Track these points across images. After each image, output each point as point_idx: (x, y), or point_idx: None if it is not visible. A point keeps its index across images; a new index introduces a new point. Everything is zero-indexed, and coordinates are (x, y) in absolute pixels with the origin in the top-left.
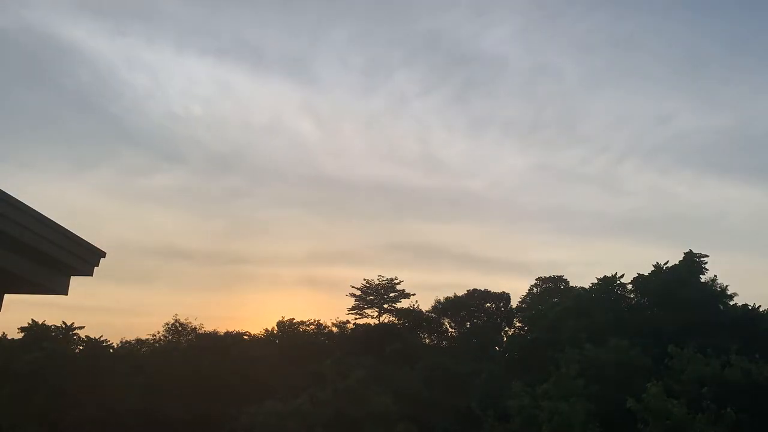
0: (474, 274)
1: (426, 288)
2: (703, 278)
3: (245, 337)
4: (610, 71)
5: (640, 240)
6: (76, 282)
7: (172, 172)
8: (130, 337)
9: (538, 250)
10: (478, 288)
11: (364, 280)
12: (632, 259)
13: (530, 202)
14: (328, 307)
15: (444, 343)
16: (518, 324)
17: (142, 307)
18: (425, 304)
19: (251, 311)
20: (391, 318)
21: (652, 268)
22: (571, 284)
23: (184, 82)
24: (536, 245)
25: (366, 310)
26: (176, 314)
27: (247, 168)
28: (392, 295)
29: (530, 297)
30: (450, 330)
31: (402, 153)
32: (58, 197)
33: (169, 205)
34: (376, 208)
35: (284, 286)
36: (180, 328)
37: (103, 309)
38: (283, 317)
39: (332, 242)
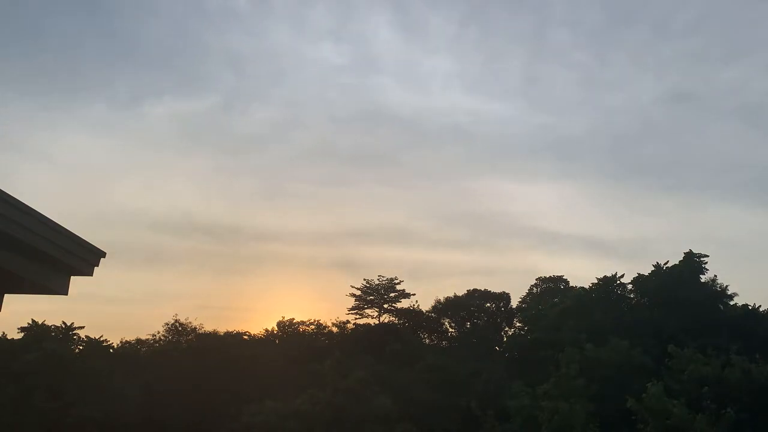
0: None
1: (486, 273)
2: (703, 278)
3: (245, 337)
4: None
5: None
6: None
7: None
8: (131, 336)
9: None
10: (479, 288)
11: (364, 280)
12: None
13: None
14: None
15: (444, 343)
16: (518, 324)
17: (153, 297)
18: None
19: (278, 301)
20: (391, 318)
21: (652, 268)
22: (571, 284)
23: None
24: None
25: (366, 310)
26: (176, 314)
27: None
28: (392, 295)
29: (530, 297)
30: (450, 330)
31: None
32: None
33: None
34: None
35: (316, 270)
36: (180, 328)
37: (112, 299)
38: (283, 317)
39: (374, 214)
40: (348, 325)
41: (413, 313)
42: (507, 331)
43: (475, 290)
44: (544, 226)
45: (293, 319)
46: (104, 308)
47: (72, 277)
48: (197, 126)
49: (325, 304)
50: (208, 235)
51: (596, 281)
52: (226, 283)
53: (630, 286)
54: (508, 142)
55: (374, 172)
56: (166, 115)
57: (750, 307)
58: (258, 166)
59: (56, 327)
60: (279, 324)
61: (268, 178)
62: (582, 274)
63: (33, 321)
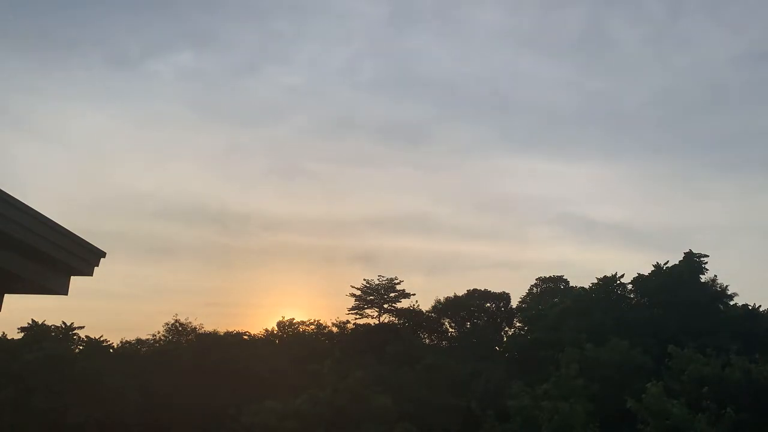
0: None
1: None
2: (703, 278)
3: (245, 337)
4: None
5: None
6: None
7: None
8: (132, 336)
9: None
10: (479, 288)
11: (364, 280)
12: None
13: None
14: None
15: (444, 343)
16: (518, 324)
17: (157, 293)
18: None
19: (290, 299)
20: (391, 318)
21: (652, 268)
22: (571, 284)
23: None
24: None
25: (366, 310)
26: (176, 314)
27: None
28: (392, 295)
29: (530, 297)
30: (450, 330)
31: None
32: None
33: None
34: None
35: (332, 264)
36: (180, 328)
37: (113, 295)
38: (284, 317)
39: (397, 198)
40: (348, 325)
41: (413, 313)
42: (507, 331)
43: (475, 290)
44: (579, 212)
45: (293, 319)
46: (106, 305)
47: (72, 277)
48: (209, 91)
49: (340, 300)
50: (217, 223)
51: (596, 281)
52: (236, 279)
53: (630, 286)
54: (554, 114)
55: (399, 149)
56: (173, 78)
57: (750, 307)
58: (275, 141)
59: (56, 327)
60: (279, 324)
61: (285, 156)
62: (613, 267)
63: (33, 321)
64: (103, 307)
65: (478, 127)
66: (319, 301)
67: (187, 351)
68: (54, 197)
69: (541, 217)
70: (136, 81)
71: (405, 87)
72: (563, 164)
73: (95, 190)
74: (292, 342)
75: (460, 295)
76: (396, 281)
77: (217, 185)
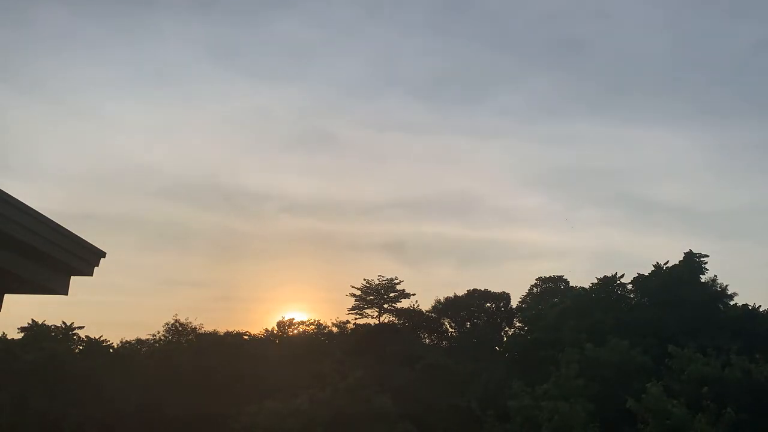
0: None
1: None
2: (703, 278)
3: (245, 337)
4: None
5: None
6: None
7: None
8: (133, 335)
9: None
10: (479, 288)
11: (364, 280)
12: None
13: None
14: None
15: (444, 343)
16: (518, 324)
17: (162, 287)
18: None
19: (308, 293)
20: (391, 318)
21: (652, 268)
22: (571, 284)
23: None
24: None
25: (366, 310)
26: (176, 314)
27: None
28: (392, 295)
29: (530, 297)
30: (450, 330)
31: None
32: None
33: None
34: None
35: (359, 252)
36: (180, 328)
37: (115, 289)
38: (283, 317)
39: (437, 174)
40: (348, 325)
41: (413, 313)
42: (507, 331)
43: (475, 290)
44: (638, 192)
45: (293, 319)
46: (109, 299)
47: (72, 277)
48: (226, 34)
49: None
50: (230, 204)
51: (596, 281)
52: (249, 270)
53: (630, 286)
54: (638, 61)
55: (446, 110)
56: (182, 25)
57: (750, 307)
58: (301, 101)
59: (56, 327)
60: (279, 324)
61: (313, 120)
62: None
63: (33, 321)
64: (106, 302)
65: (544, 77)
66: (341, 296)
67: (187, 351)
68: (50, 171)
69: (594, 196)
70: (139, 29)
71: (457, 20)
72: (631, 129)
73: (97, 164)
74: (292, 342)
75: (460, 295)
76: (396, 281)
77: (231, 157)
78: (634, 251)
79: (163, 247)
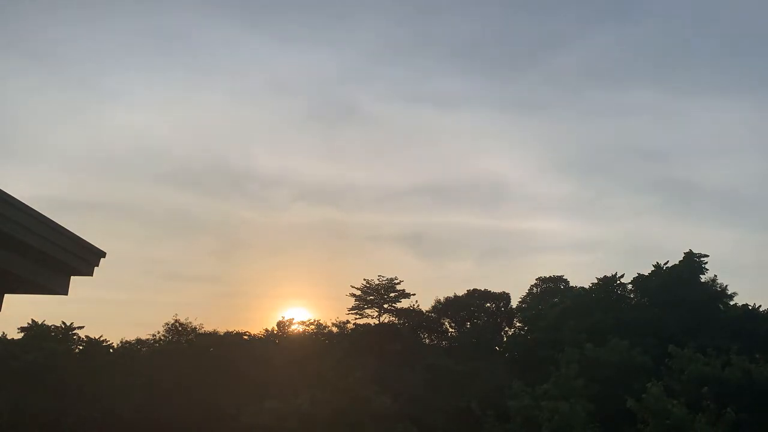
0: None
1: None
2: (703, 278)
3: (245, 337)
4: None
5: None
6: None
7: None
8: (133, 336)
9: None
10: (478, 288)
11: (364, 279)
12: None
13: None
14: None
15: (444, 343)
16: (518, 324)
17: (167, 281)
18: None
19: (323, 289)
20: (391, 318)
21: (652, 268)
22: (571, 284)
23: None
24: None
25: (366, 310)
26: (176, 314)
27: None
28: (392, 295)
29: (530, 297)
30: (450, 330)
31: None
32: None
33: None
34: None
35: (377, 245)
36: (180, 328)
37: (116, 285)
38: (283, 317)
39: (468, 154)
40: (348, 325)
41: (413, 313)
42: (507, 331)
43: (475, 290)
44: (682, 176)
45: (293, 319)
46: (109, 296)
47: (72, 277)
48: None
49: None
50: (240, 190)
51: (596, 281)
52: (260, 264)
53: (630, 286)
54: (698, 24)
55: (480, 77)
56: None
57: (750, 307)
58: (323, 64)
59: (56, 327)
60: (279, 324)
61: (334, 87)
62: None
63: (33, 321)
64: (107, 299)
65: (591, 44)
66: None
67: (187, 351)
68: (48, 153)
69: (631, 181)
70: None
71: None
72: (683, 102)
73: (98, 145)
74: (292, 342)
75: (460, 295)
76: (396, 281)
77: (243, 136)
78: (671, 242)
79: (167, 238)
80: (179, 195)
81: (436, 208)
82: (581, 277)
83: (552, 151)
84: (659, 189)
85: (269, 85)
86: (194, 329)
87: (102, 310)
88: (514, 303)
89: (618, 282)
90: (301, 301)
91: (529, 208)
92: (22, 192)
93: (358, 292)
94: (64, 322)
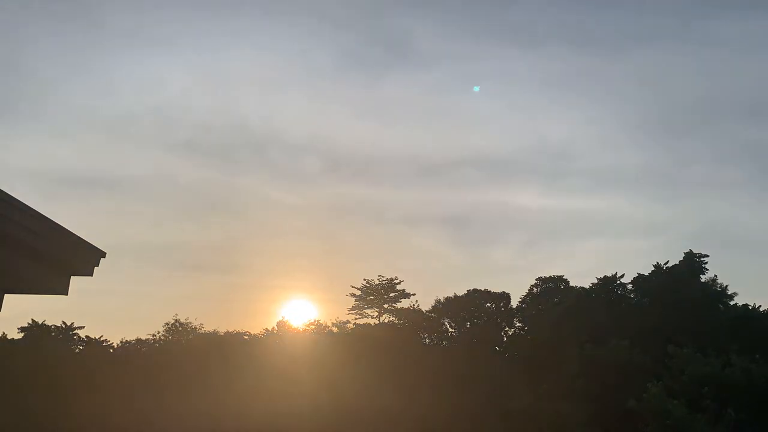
0: None
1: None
2: (703, 278)
3: (245, 337)
4: None
5: None
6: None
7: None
8: (131, 336)
9: None
10: (478, 288)
11: (364, 279)
12: None
13: None
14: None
15: (444, 343)
16: (518, 324)
17: (173, 277)
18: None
19: (342, 284)
20: (391, 318)
21: (653, 268)
22: (571, 284)
23: None
24: None
25: (366, 310)
26: (176, 314)
27: None
28: (392, 295)
29: (530, 297)
30: (450, 330)
31: None
32: None
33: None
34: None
35: (420, 228)
36: (180, 328)
37: (117, 282)
38: (283, 317)
39: (524, 120)
40: (348, 325)
41: (413, 313)
42: (507, 331)
43: (475, 290)
44: None
45: (293, 319)
46: (116, 289)
47: (72, 277)
48: None
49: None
50: (262, 159)
51: (596, 281)
52: (282, 251)
53: (630, 286)
54: None
55: (561, 8)
56: None
57: (750, 307)
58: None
59: (56, 327)
60: (279, 324)
61: (377, 18)
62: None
63: (33, 321)
64: (112, 291)
65: None
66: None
67: (187, 351)
68: (55, 118)
69: (715, 147)
70: None
71: None
72: None
73: (108, 108)
74: (293, 342)
75: (460, 295)
76: (396, 281)
77: (267, 93)
78: (751, 225)
79: (181, 219)
80: (195, 168)
81: (483, 185)
82: (643, 263)
83: (627, 113)
84: (745, 158)
85: (299, 29)
86: (194, 329)
87: (100, 310)
88: (514, 303)
89: (618, 282)
90: (325, 294)
91: (591, 182)
92: (21, 165)
93: (358, 293)
94: (64, 322)
